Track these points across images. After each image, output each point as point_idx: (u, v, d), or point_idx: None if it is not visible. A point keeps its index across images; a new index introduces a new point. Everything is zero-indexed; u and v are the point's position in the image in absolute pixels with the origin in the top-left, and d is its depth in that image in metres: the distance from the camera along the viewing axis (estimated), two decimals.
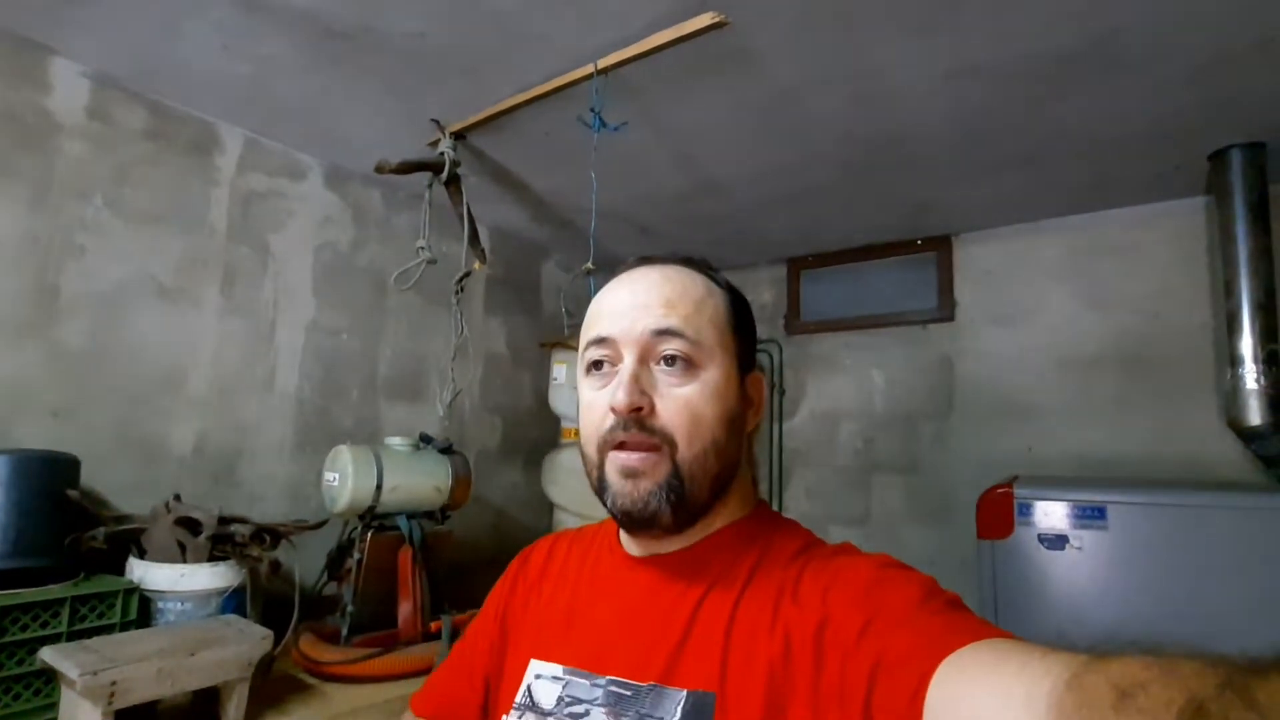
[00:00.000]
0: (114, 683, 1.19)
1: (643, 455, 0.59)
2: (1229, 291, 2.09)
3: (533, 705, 0.63)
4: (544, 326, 3.27)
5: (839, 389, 3.19)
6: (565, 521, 2.60)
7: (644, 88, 1.79)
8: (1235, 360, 2.05)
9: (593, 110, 1.73)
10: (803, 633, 0.53)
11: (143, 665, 1.24)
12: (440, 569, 2.04)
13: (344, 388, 2.45)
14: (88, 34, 1.71)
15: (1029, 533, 2.01)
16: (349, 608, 1.84)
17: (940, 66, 1.69)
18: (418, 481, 2.02)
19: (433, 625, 1.88)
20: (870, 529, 3.00)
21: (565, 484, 2.64)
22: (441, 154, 2.06)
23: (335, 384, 2.42)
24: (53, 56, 1.80)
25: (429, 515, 2.09)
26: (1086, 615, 1.92)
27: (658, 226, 2.90)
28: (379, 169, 2.05)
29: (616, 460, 0.60)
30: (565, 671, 0.63)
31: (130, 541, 1.66)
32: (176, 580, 1.58)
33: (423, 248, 2.06)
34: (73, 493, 1.59)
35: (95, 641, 1.34)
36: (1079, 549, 1.95)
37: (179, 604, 1.58)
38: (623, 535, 0.69)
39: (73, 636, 1.41)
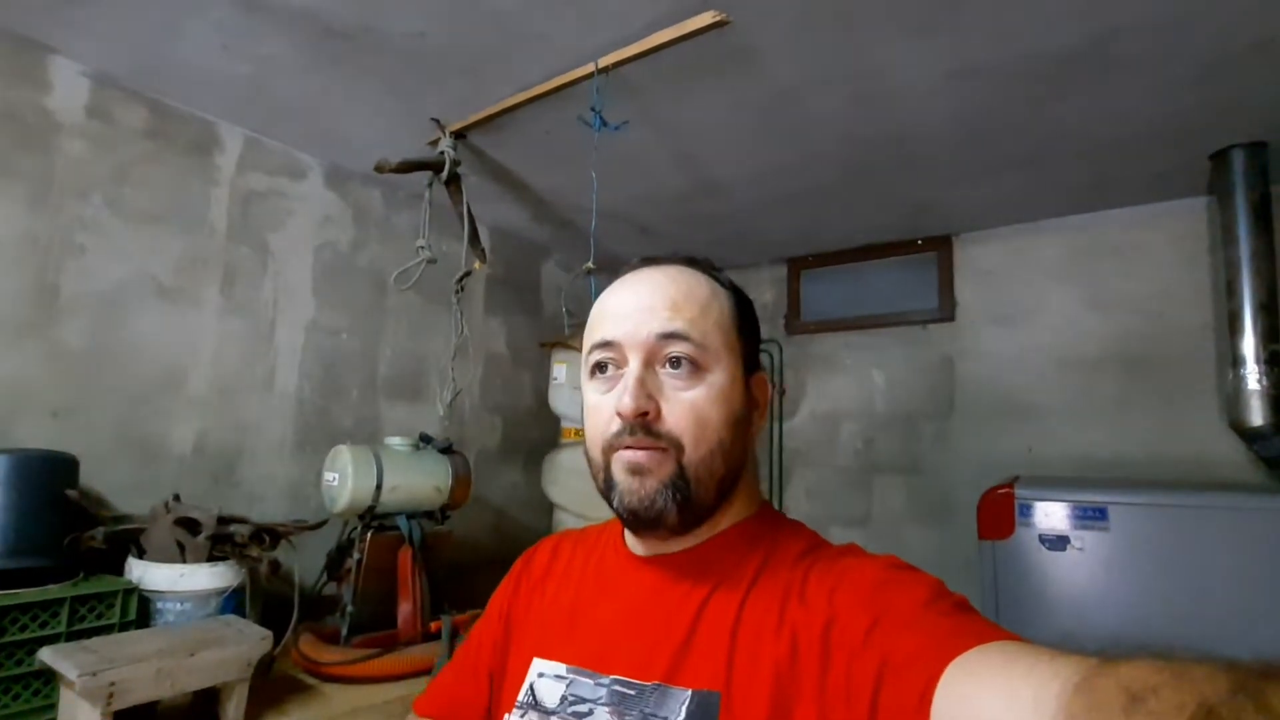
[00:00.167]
0: (113, 683, 1.19)
1: (649, 452, 0.59)
2: (1231, 292, 2.09)
3: (535, 704, 0.63)
4: (544, 326, 3.27)
5: (839, 389, 3.18)
6: (565, 521, 2.60)
7: (644, 87, 1.79)
8: (1237, 361, 2.05)
9: (593, 109, 1.73)
10: (809, 633, 0.53)
11: (142, 666, 1.24)
12: (440, 569, 2.04)
13: (344, 387, 2.45)
14: (88, 33, 1.71)
15: (1030, 533, 2.01)
16: (349, 608, 1.84)
17: (940, 66, 1.69)
18: (417, 481, 2.02)
19: (432, 625, 1.87)
20: (871, 530, 3.00)
21: (565, 484, 2.63)
22: (441, 153, 2.05)
23: (335, 384, 2.42)
24: (52, 55, 1.79)
25: (429, 515, 2.09)
26: (1088, 616, 1.91)
27: (658, 226, 2.90)
28: (379, 168, 2.05)
29: (623, 458, 0.60)
30: (569, 670, 0.63)
31: (129, 541, 1.65)
32: (176, 580, 1.58)
33: (423, 247, 2.06)
34: (72, 492, 1.59)
35: (94, 642, 1.33)
36: (1080, 550, 1.95)
37: (178, 604, 1.58)
38: (627, 535, 0.68)
39: (72, 637, 1.41)
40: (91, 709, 1.17)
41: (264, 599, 1.78)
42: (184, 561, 1.60)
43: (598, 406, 0.63)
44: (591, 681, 0.61)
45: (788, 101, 1.87)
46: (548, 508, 2.76)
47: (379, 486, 1.91)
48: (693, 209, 2.71)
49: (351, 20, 1.59)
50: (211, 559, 1.63)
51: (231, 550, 1.68)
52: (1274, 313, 2.02)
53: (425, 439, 2.16)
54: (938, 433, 2.89)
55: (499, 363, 3.08)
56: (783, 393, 3.32)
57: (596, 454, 0.63)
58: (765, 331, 3.26)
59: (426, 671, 1.70)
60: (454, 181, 2.10)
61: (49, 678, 1.35)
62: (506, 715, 0.65)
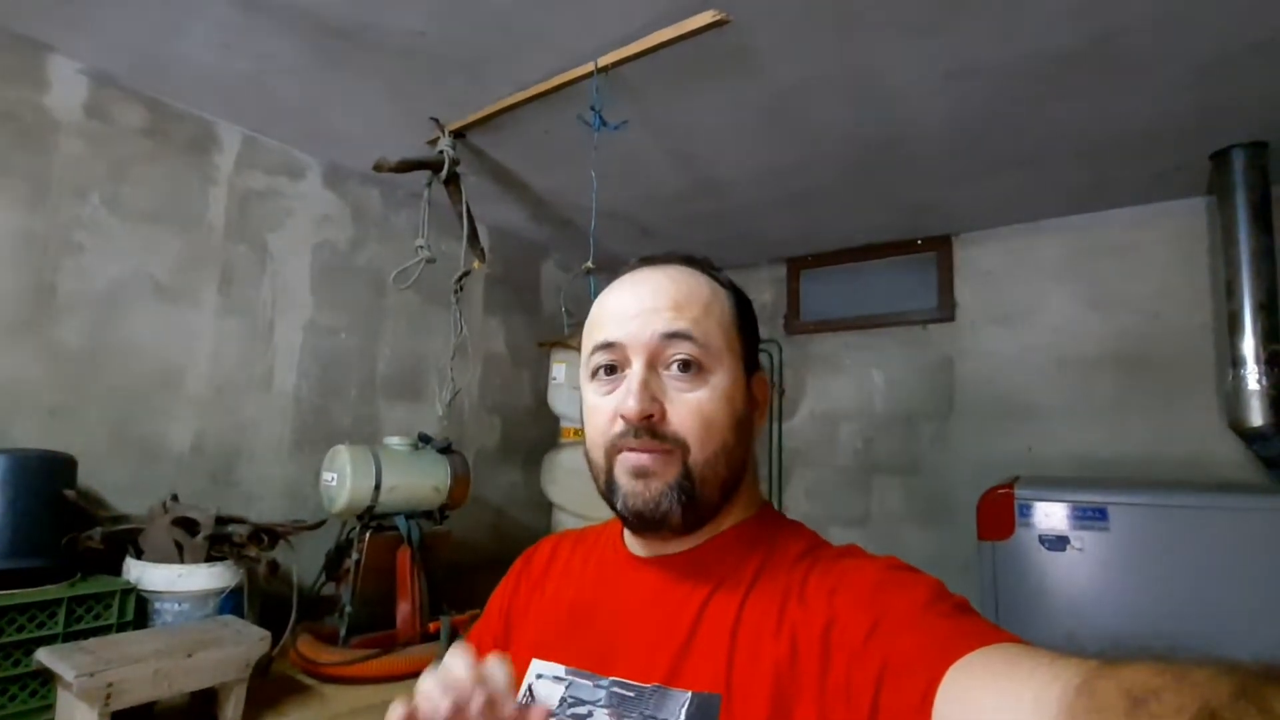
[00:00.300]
0: (110, 684, 1.19)
1: (654, 455, 0.58)
2: (1230, 292, 2.09)
3: (534, 705, 0.62)
4: (543, 326, 3.27)
5: (839, 389, 3.18)
6: (564, 521, 2.60)
7: (644, 87, 1.79)
8: (1237, 361, 2.05)
9: (593, 109, 1.72)
10: (809, 634, 0.52)
11: (139, 666, 1.23)
12: (439, 569, 2.04)
13: (342, 387, 2.44)
14: (86, 32, 1.70)
15: (1030, 534, 2.01)
16: (347, 608, 1.84)
17: (940, 67, 1.68)
18: (416, 481, 2.02)
19: (431, 626, 1.87)
20: (870, 530, 3.00)
21: (565, 484, 2.63)
22: (441, 152, 2.05)
23: (333, 383, 2.42)
24: (51, 54, 1.79)
25: (428, 515, 2.09)
26: (1087, 616, 1.91)
27: (658, 226, 2.90)
28: (378, 167, 2.05)
29: (627, 460, 0.59)
30: (568, 672, 0.63)
31: (127, 542, 1.65)
32: (174, 581, 1.58)
33: (422, 247, 2.05)
34: (69, 492, 1.59)
35: (92, 642, 1.33)
36: (1080, 550, 1.94)
37: (176, 604, 1.57)
38: (627, 535, 0.68)
39: (69, 637, 1.41)
40: (89, 710, 1.17)
41: (262, 599, 1.78)
42: (182, 562, 1.60)
43: (599, 408, 0.62)
44: (591, 683, 0.60)
45: (787, 101, 1.87)
46: (547, 508, 2.76)
47: (378, 486, 1.90)
48: (692, 209, 2.71)
49: (351, 19, 1.59)
50: (209, 559, 1.63)
51: (230, 550, 1.68)
52: (1274, 313, 2.02)
53: (424, 439, 2.15)
54: (937, 433, 2.89)
55: (498, 362, 3.08)
56: (782, 393, 3.32)
57: (598, 455, 0.62)
58: (765, 331, 3.27)
59: None
60: (453, 181, 2.10)
61: (46, 678, 1.34)
62: None
